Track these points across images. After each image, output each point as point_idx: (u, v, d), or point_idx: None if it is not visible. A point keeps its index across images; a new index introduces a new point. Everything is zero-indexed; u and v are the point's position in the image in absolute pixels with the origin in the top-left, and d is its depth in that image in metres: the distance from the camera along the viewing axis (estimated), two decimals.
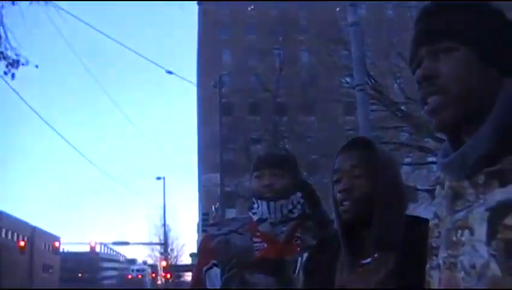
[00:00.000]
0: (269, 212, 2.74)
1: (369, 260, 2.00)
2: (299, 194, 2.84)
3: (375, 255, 1.99)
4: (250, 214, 2.85)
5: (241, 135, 32.59)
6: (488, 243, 1.21)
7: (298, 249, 2.67)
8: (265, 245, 2.73)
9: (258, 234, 2.77)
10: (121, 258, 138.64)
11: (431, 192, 17.79)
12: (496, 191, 1.24)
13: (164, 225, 64.66)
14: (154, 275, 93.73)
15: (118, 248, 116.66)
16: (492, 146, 1.27)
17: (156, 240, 71.29)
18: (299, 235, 2.76)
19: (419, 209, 17.62)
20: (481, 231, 1.24)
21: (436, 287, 1.40)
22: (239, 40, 56.07)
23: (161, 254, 72.02)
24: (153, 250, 79.14)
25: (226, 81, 37.37)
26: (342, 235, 2.07)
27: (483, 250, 1.22)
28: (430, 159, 18.79)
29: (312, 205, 2.90)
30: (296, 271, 2.54)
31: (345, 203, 2.03)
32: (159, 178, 61.17)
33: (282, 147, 3.66)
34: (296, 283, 2.51)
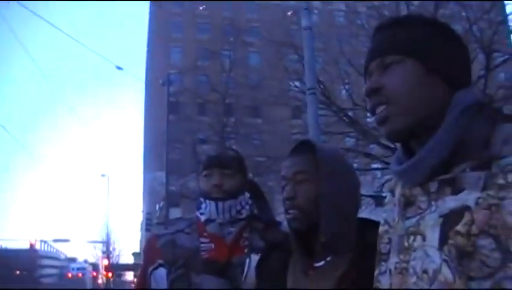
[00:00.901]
0: (217, 213, 2.72)
1: (322, 263, 2.00)
2: (247, 194, 2.84)
3: (328, 258, 1.99)
4: (198, 214, 2.82)
5: (188, 134, 32.42)
6: (440, 248, 1.25)
7: (246, 250, 2.67)
8: (213, 246, 2.71)
9: (206, 234, 2.74)
10: (62, 256, 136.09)
11: (375, 198, 18.02)
12: (448, 198, 1.29)
13: (107, 223, 64.05)
14: (95, 273, 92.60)
15: (58, 246, 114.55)
16: (445, 155, 1.32)
17: (99, 238, 70.48)
18: (246, 236, 2.75)
19: (362, 214, 17.79)
20: (433, 236, 1.28)
21: None
22: (189, 40, 55.89)
23: (103, 252, 71.20)
24: (95, 248, 78.17)
25: (174, 80, 37.18)
26: (294, 239, 2.07)
27: (435, 255, 1.26)
28: (375, 165, 19.03)
29: (260, 206, 2.91)
30: (244, 272, 2.54)
31: (290, 211, 2.04)
32: (103, 175, 60.48)
33: (231, 148, 3.66)
34: (244, 284, 2.52)
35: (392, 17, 1.58)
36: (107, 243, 66.36)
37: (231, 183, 2.76)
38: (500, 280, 1.15)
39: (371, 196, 18.55)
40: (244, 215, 2.78)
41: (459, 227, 1.22)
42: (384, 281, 1.45)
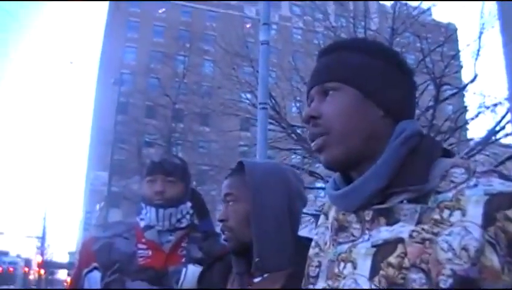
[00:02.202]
0: (157, 220, 2.70)
1: (259, 279, 2.00)
2: (189, 204, 2.82)
3: (265, 274, 1.99)
4: (138, 219, 2.79)
5: (134, 136, 32.19)
6: (371, 278, 1.24)
7: (183, 259, 2.65)
8: (150, 253, 2.67)
9: (144, 240, 2.71)
10: None
11: (316, 217, 18.12)
12: (382, 228, 1.28)
13: (44, 218, 62.88)
14: (27, 269, 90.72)
15: None
16: (382, 185, 1.31)
17: (34, 233, 69.16)
18: (185, 245, 2.73)
19: (303, 231, 17.91)
20: (364, 265, 1.27)
21: None
22: (145, 41, 55.61)
23: (38, 248, 69.82)
24: (29, 243, 76.59)
25: (126, 80, 36.92)
26: (233, 255, 2.07)
27: (365, 284, 1.25)
28: (319, 184, 19.14)
29: (200, 216, 2.89)
30: (179, 282, 2.52)
31: (224, 232, 2.05)
32: (44, 170, 59.47)
33: (176, 155, 3.63)
34: None
35: (335, 41, 1.56)
36: (42, 239, 65.12)
37: (173, 191, 2.74)
38: None
39: (312, 215, 18.64)
40: (184, 225, 2.76)
41: (391, 259, 1.22)
42: None
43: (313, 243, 1.54)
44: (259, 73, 8.22)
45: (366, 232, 1.31)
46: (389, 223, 1.27)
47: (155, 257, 2.66)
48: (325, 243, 1.46)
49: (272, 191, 2.04)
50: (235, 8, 54.60)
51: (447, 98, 16.78)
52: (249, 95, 19.81)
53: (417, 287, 1.17)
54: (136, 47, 57.06)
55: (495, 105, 14.89)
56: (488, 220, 1.16)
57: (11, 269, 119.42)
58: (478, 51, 15.63)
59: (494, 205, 1.17)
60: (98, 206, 37.19)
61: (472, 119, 16.09)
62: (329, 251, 1.42)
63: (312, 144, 1.42)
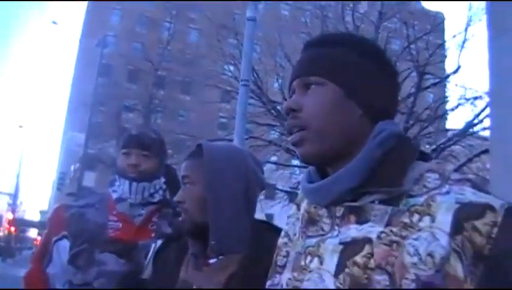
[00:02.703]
0: (130, 193, 2.69)
1: (214, 260, 2.01)
2: (162, 179, 2.82)
3: (220, 256, 2.00)
4: (110, 190, 2.78)
5: (114, 100, 32.03)
6: (336, 275, 1.25)
7: (152, 234, 2.64)
8: (120, 225, 2.67)
9: (115, 212, 2.70)
10: None
11: (290, 193, 18.22)
12: (352, 226, 1.28)
13: (18, 175, 62.47)
14: None
15: None
16: (354, 183, 1.30)
17: (6, 189, 68.76)
18: (155, 220, 2.73)
19: (275, 207, 18.03)
20: (331, 262, 1.27)
21: None
22: (131, 5, 55.03)
23: (9, 205, 69.43)
24: (1, 199, 76.22)
25: (109, 43, 36.58)
26: (188, 236, 2.08)
27: (329, 281, 1.26)
28: (295, 162, 19.22)
29: (173, 192, 2.88)
30: (148, 257, 2.52)
31: (182, 214, 2.05)
32: (21, 126, 59.12)
33: (153, 129, 3.58)
34: (146, 268, 2.49)
35: (323, 34, 1.54)
36: (14, 196, 64.76)
37: (148, 165, 2.73)
38: None
39: (286, 191, 18.74)
40: (156, 199, 2.76)
41: (358, 258, 1.23)
42: None
43: (282, 233, 1.54)
44: (244, 49, 8.20)
45: (336, 228, 1.31)
46: (359, 222, 1.27)
47: (125, 229, 2.66)
48: (295, 234, 1.46)
49: (229, 174, 2.05)
50: None
51: (428, 87, 16.88)
52: (231, 68, 19.80)
53: (380, 288, 1.18)
54: (121, 9, 56.44)
55: (475, 98, 15.03)
56: (456, 228, 1.16)
57: None
58: (463, 43, 15.76)
59: (464, 214, 1.17)
60: (72, 167, 37.04)
61: (452, 110, 16.23)
62: (297, 243, 1.42)
63: (289, 137, 1.42)
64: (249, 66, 7.96)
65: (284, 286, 1.39)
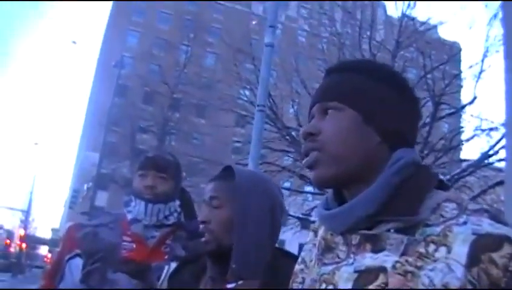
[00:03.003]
0: (145, 214, 2.71)
1: (233, 284, 1.99)
2: (177, 202, 2.83)
3: (240, 282, 1.98)
4: (125, 211, 2.80)
5: (129, 120, 32.15)
6: None
7: (166, 256, 2.65)
8: (134, 246, 2.68)
9: (129, 233, 2.72)
10: None
11: (302, 220, 18.17)
12: (367, 254, 1.28)
13: (31, 192, 62.68)
14: (8, 241, 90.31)
15: None
16: (371, 211, 1.29)
17: (19, 206, 68.97)
18: (169, 242, 2.74)
19: (287, 233, 17.96)
20: None
21: None
22: (149, 27, 55.49)
23: (21, 221, 69.61)
24: (13, 216, 76.36)
25: (127, 64, 36.85)
26: (209, 258, 2.07)
27: None
28: (308, 188, 19.19)
29: (187, 215, 2.89)
30: (161, 279, 2.52)
31: (205, 235, 2.03)
32: (36, 144, 59.33)
33: (169, 153, 3.62)
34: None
35: (343, 61, 1.55)
36: (27, 212, 64.93)
37: (164, 187, 2.75)
38: None
39: (298, 218, 18.70)
40: (170, 222, 2.77)
41: (372, 287, 1.22)
42: None
43: (299, 259, 1.54)
44: (261, 75, 8.20)
45: (351, 256, 1.31)
46: (374, 250, 1.27)
47: (138, 250, 2.67)
48: (311, 261, 1.46)
49: (258, 200, 2.04)
50: (243, 4, 54.51)
51: (443, 117, 16.83)
52: (247, 92, 19.82)
53: None
54: (139, 31, 56.87)
55: (491, 129, 14.95)
56: (472, 260, 1.15)
57: None
58: (480, 73, 15.68)
59: (481, 245, 1.16)
60: (85, 186, 37.11)
61: (467, 140, 16.16)
62: (313, 270, 1.42)
63: (304, 160, 1.42)
64: (265, 92, 7.95)
65: None
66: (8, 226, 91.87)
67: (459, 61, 20.63)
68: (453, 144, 16.19)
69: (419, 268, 1.18)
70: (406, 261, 1.21)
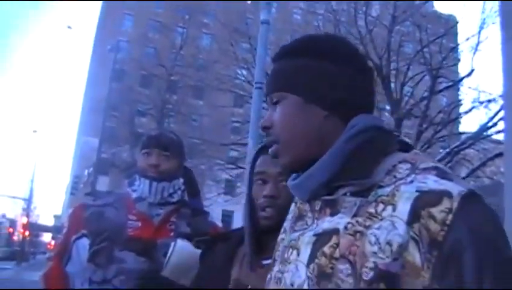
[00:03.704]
0: (150, 192, 2.73)
1: (269, 261, 2.02)
2: (181, 180, 2.84)
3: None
4: (129, 190, 2.82)
5: (127, 104, 32.09)
6: (308, 265, 1.30)
7: (171, 233, 2.67)
8: (139, 224, 2.70)
9: (134, 212, 2.74)
10: None
11: None
12: (326, 219, 1.33)
13: (32, 180, 62.61)
14: (11, 230, 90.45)
15: None
16: (326, 177, 1.35)
17: (20, 194, 68.95)
18: (174, 220, 2.76)
19: None
20: (305, 253, 1.32)
21: None
22: (144, 10, 55.22)
23: (23, 209, 69.63)
24: (15, 204, 76.32)
25: (122, 48, 36.69)
26: (250, 236, 2.06)
27: (302, 271, 1.31)
28: None
29: (191, 194, 2.91)
30: (167, 256, 2.54)
31: (268, 209, 2.00)
32: (35, 131, 59.33)
33: (172, 131, 3.62)
34: (166, 267, 2.51)
35: (281, 47, 1.56)
36: (28, 200, 64.90)
37: (168, 165, 2.77)
38: None
39: None
40: (175, 200, 2.79)
41: (325, 248, 1.27)
42: (268, 287, 1.50)
43: (282, 229, 1.59)
44: (257, 52, 8.20)
45: (315, 221, 1.37)
46: (332, 214, 1.32)
47: (144, 228, 2.69)
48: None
49: None
50: None
51: (442, 90, 16.83)
52: (244, 72, 19.81)
53: (343, 277, 1.21)
54: (134, 15, 56.63)
55: (489, 101, 14.95)
56: (414, 216, 1.17)
57: None
58: (477, 45, 15.68)
59: (422, 202, 1.18)
60: (86, 172, 37.10)
61: (465, 113, 16.19)
62: (286, 237, 1.49)
63: (269, 151, 1.49)
64: (262, 69, 7.96)
65: (273, 279, 1.45)
66: (11, 214, 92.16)
67: (456, 34, 20.58)
68: (452, 117, 16.21)
69: (367, 227, 1.22)
70: (357, 221, 1.25)
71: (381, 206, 1.24)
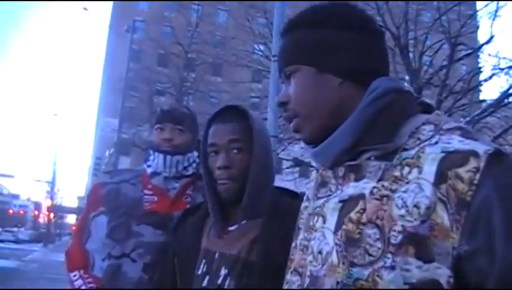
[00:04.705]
0: (164, 166, 2.76)
1: (235, 226, 2.04)
2: (195, 153, 2.86)
3: (242, 222, 2.03)
4: (145, 166, 2.85)
5: (146, 84, 32.16)
6: (335, 232, 1.30)
7: (187, 206, 2.68)
8: (156, 198, 2.74)
9: (150, 186, 2.77)
10: (5, 191, 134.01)
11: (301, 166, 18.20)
12: (350, 184, 1.33)
13: (54, 163, 63.12)
14: (37, 213, 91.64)
15: (2, 181, 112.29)
16: (348, 143, 1.34)
17: (44, 177, 69.61)
18: (189, 193, 2.79)
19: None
20: (331, 220, 1.33)
21: (292, 267, 1.46)
22: None
23: (47, 192, 70.34)
24: (39, 187, 77.05)
25: (139, 28, 36.70)
26: (214, 205, 2.07)
27: (330, 238, 1.31)
28: None
29: None
30: None
31: (224, 181, 2.02)
32: (55, 115, 59.75)
33: (185, 106, 3.66)
34: None
35: (288, 20, 1.55)
36: (52, 183, 65.51)
37: (181, 139, 2.80)
38: (378, 269, 1.19)
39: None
40: (190, 173, 2.82)
41: (352, 214, 1.27)
42: (293, 255, 1.50)
43: (304, 197, 1.59)
44: (274, 24, 8.15)
45: (339, 187, 1.36)
46: (357, 180, 1.31)
47: (160, 202, 2.72)
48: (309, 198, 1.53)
49: (267, 140, 2.10)
50: None
51: (461, 58, 16.60)
52: (262, 47, 19.73)
53: (371, 242, 1.21)
54: None
55: (510, 67, 14.73)
56: (440, 177, 1.17)
57: (22, 211, 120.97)
58: (496, 11, 15.43)
59: (448, 163, 1.18)
60: (107, 153, 37.37)
61: (486, 80, 15.92)
62: (310, 205, 1.48)
63: (290, 126, 1.48)
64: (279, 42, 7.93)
65: (298, 247, 1.45)
66: (35, 198, 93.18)
67: (474, 0, 20.31)
68: (472, 85, 15.99)
69: (394, 191, 1.23)
70: (382, 186, 1.25)
71: (406, 169, 1.23)
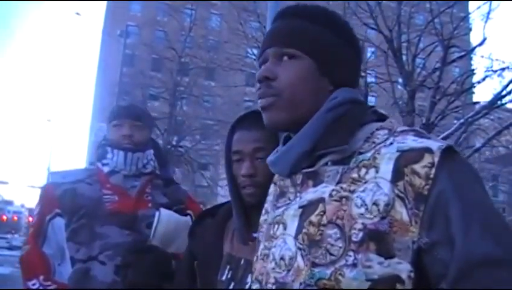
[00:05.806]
0: (125, 164, 2.71)
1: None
2: (152, 150, 2.85)
3: None
4: (99, 164, 2.79)
5: (139, 89, 32.12)
6: (296, 236, 1.32)
7: (149, 204, 2.68)
8: (117, 198, 2.68)
9: (109, 186, 2.71)
10: None
11: None
12: (309, 190, 1.36)
13: (48, 168, 62.87)
14: (31, 219, 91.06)
15: None
16: (305, 148, 1.38)
17: (38, 183, 69.37)
18: (149, 191, 2.75)
19: None
20: (292, 226, 1.35)
21: (253, 277, 1.48)
22: None
23: None
24: (34, 193, 76.80)
25: (132, 33, 36.69)
26: (239, 212, 2.04)
27: (291, 243, 1.33)
28: None
29: (161, 164, 2.91)
30: (154, 226, 2.54)
31: (248, 187, 1.99)
32: (49, 120, 59.63)
33: (137, 105, 3.68)
34: (154, 237, 2.53)
35: (296, 5, 1.55)
36: None
37: (141, 135, 2.77)
38: (340, 268, 1.21)
39: None
40: (148, 170, 2.79)
41: (312, 217, 1.30)
42: (254, 267, 1.50)
43: (263, 211, 1.60)
44: (267, 28, 8.16)
45: (298, 195, 1.39)
46: (315, 185, 1.35)
47: (122, 201, 2.67)
48: (268, 209, 1.55)
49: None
50: None
51: (454, 60, 16.63)
52: (255, 50, 19.76)
53: (332, 242, 1.24)
54: None
55: (502, 69, 14.79)
56: (397, 175, 1.22)
57: (16, 217, 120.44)
58: (488, 13, 15.47)
59: (404, 160, 1.23)
60: None
61: (479, 82, 15.93)
62: (269, 216, 1.50)
63: (259, 100, 1.46)
64: None
65: (259, 257, 1.46)
66: (29, 204, 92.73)
67: (467, 2, 20.37)
68: (465, 87, 16.03)
69: (352, 192, 1.26)
70: (341, 188, 1.29)
71: (363, 170, 1.28)
